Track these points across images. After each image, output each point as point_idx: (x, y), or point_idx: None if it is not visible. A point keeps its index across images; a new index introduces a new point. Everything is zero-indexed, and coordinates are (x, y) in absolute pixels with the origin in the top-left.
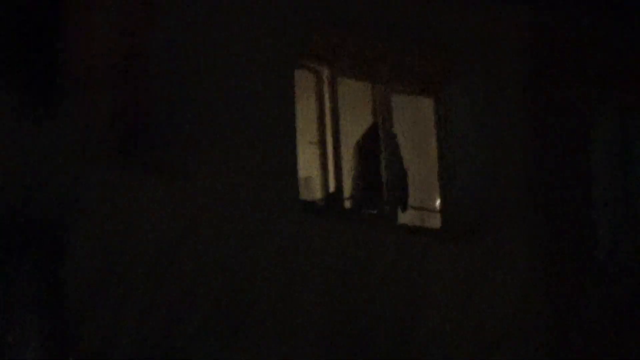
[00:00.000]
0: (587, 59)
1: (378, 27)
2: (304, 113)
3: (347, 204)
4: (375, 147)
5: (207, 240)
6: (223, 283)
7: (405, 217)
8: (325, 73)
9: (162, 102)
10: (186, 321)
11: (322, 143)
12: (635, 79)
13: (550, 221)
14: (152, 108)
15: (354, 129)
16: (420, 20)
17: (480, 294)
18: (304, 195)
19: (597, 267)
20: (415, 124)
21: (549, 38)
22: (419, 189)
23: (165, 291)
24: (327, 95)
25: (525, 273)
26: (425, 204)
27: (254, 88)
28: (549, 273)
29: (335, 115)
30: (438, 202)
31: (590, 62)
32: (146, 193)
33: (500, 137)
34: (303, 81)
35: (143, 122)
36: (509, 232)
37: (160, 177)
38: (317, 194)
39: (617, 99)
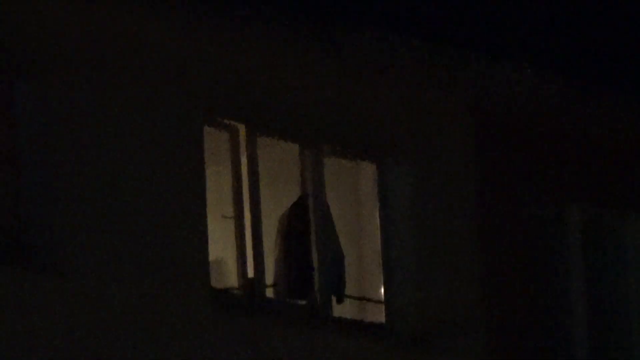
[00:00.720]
0: (534, 143)
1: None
2: (216, 180)
3: (270, 293)
4: (304, 222)
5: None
6: None
7: (342, 309)
8: (242, 130)
9: (37, 186)
10: None
11: (238, 217)
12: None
13: (508, 325)
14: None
15: (277, 200)
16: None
17: None
18: (216, 282)
19: None
20: (353, 195)
21: (493, 121)
22: (357, 274)
23: None
24: (244, 158)
25: None
26: (366, 292)
27: (152, 151)
28: None
29: (254, 183)
30: (381, 290)
31: (540, 147)
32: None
33: (451, 219)
34: (215, 141)
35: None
36: (462, 337)
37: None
38: (232, 280)
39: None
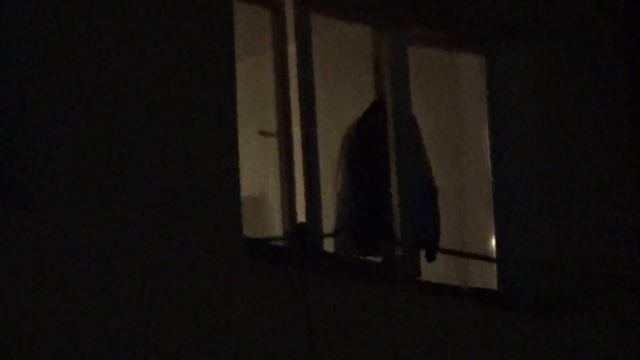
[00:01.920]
0: None
1: None
2: (252, 79)
3: (329, 246)
4: (379, 141)
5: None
6: None
7: (434, 269)
8: (290, 5)
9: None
10: None
11: (284, 134)
12: None
13: None
14: None
15: (340, 109)
16: None
17: None
18: (252, 229)
19: None
20: (449, 101)
21: None
22: (456, 218)
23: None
24: (292, 47)
25: None
26: (469, 245)
27: (158, 36)
28: None
29: (307, 83)
30: (492, 242)
31: None
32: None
33: (595, 132)
34: (251, 21)
35: None
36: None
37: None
38: (276, 226)
39: None
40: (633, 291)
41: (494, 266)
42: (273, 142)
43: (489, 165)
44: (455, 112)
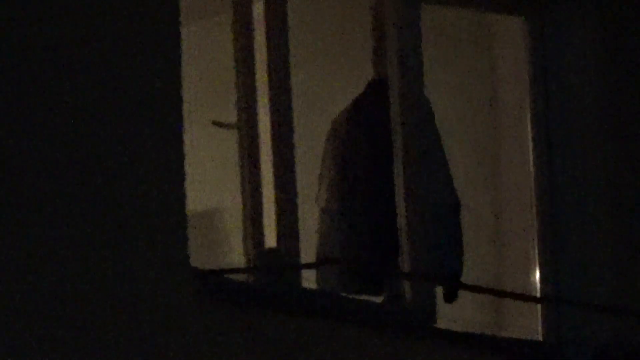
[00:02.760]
0: None
1: None
2: (202, 48)
3: (310, 281)
4: (380, 138)
5: None
6: None
7: (456, 313)
8: None
9: None
10: None
11: (247, 126)
12: None
13: None
14: None
15: (328, 93)
16: None
17: None
18: (202, 257)
19: None
20: (478, 81)
21: None
22: (488, 241)
23: None
24: (259, 6)
25: None
26: (506, 280)
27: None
28: None
29: (279, 56)
30: (537, 276)
31: None
32: None
33: None
34: None
35: None
36: None
37: None
38: (235, 253)
39: None
40: None
41: (539, 308)
42: (233, 136)
43: (533, 172)
44: (487, 96)
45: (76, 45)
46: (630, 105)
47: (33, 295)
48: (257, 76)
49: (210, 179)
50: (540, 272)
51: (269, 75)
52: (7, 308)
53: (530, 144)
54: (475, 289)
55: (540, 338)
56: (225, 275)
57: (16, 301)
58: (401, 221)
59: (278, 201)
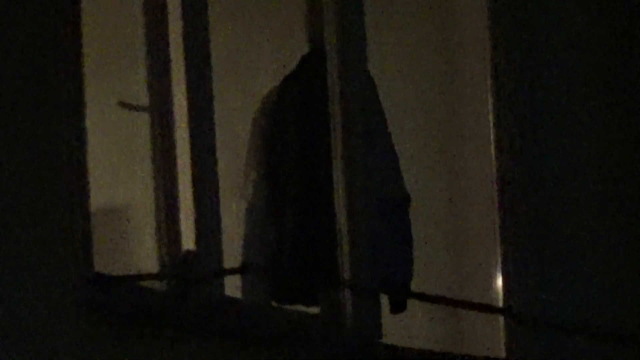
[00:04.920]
0: None
1: None
2: (105, 17)
3: (233, 289)
4: (314, 124)
5: None
6: None
7: (404, 324)
8: None
9: None
10: None
11: (157, 109)
12: None
13: None
14: None
15: (249, 67)
16: None
17: None
18: (106, 260)
19: None
20: (434, 56)
21: None
22: (443, 245)
23: None
24: None
25: None
26: (462, 287)
27: None
28: None
29: (195, 23)
30: (498, 283)
31: None
32: None
33: None
34: None
35: None
36: None
37: None
38: (146, 256)
39: None
40: None
41: (501, 321)
42: (143, 120)
43: (495, 162)
44: (443, 72)
45: None
46: (601, 88)
47: None
48: (172, 49)
49: (117, 170)
50: (503, 280)
51: (185, 48)
52: None
53: (493, 130)
54: (427, 298)
55: (503, 355)
56: (135, 283)
57: None
58: (340, 219)
59: (196, 197)
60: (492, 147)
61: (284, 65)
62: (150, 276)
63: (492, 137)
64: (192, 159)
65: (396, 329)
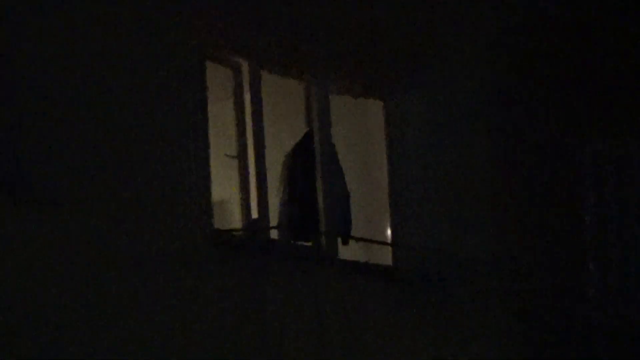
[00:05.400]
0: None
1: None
2: (219, 118)
3: (274, 235)
4: (309, 161)
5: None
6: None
7: (348, 251)
8: (246, 66)
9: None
10: None
11: (242, 156)
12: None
13: (524, 266)
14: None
15: (282, 138)
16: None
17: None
18: (220, 223)
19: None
20: (360, 133)
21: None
22: (364, 215)
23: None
24: (248, 95)
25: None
26: (373, 234)
27: (152, 87)
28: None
29: (258, 120)
30: (389, 231)
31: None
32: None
33: (464, 154)
34: (218, 77)
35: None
36: (474, 280)
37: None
38: (236, 221)
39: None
40: (491, 274)
41: (390, 249)
42: (234, 162)
43: (387, 177)
44: (364, 141)
45: None
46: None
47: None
48: (247, 131)
49: (224, 184)
50: (391, 229)
51: (253, 130)
52: None
53: (387, 163)
54: (357, 238)
55: (390, 264)
56: (233, 233)
57: None
58: (320, 204)
59: (258, 195)
60: (385, 171)
61: (296, 137)
62: (238, 230)
63: (385, 164)
64: (256, 178)
65: (344, 251)
